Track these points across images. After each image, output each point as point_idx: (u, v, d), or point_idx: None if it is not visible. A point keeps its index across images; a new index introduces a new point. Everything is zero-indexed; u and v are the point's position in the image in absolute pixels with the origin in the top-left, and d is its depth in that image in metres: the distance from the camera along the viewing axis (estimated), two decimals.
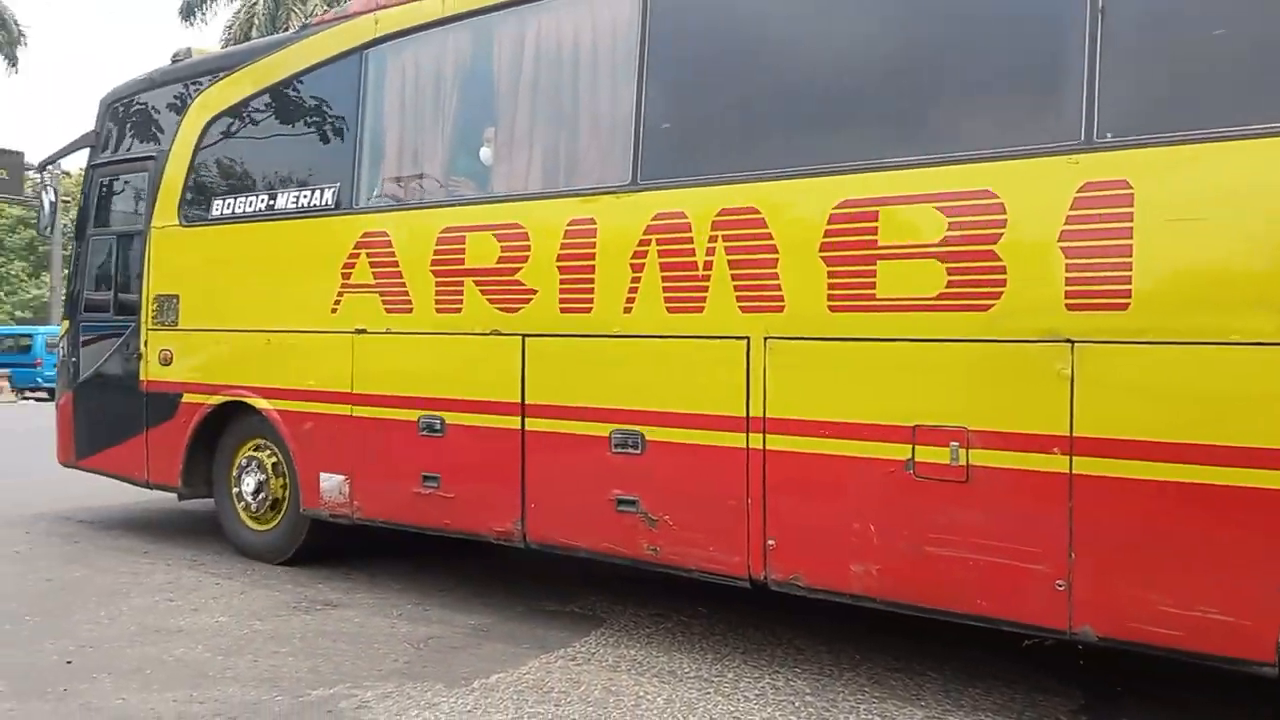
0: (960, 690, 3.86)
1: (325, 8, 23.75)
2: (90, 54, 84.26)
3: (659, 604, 4.99)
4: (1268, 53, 3.19)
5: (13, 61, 37.76)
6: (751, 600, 4.54)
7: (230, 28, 30.41)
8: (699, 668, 4.09)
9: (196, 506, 6.67)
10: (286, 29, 18.91)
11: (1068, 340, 3.34)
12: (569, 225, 4.48)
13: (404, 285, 5.02)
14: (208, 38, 33.70)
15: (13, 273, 37.16)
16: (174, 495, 6.39)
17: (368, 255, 5.16)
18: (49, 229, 7.48)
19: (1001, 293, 3.48)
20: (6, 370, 22.76)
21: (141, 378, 6.24)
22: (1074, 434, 3.34)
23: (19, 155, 26.65)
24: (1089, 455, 3.32)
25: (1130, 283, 3.25)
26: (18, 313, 33.98)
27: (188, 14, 31.94)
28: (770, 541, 3.96)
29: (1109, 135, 3.32)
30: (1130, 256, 3.25)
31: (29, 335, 24.68)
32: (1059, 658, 4.07)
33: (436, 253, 4.90)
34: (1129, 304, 3.26)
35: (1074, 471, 3.34)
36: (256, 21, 28.98)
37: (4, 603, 4.96)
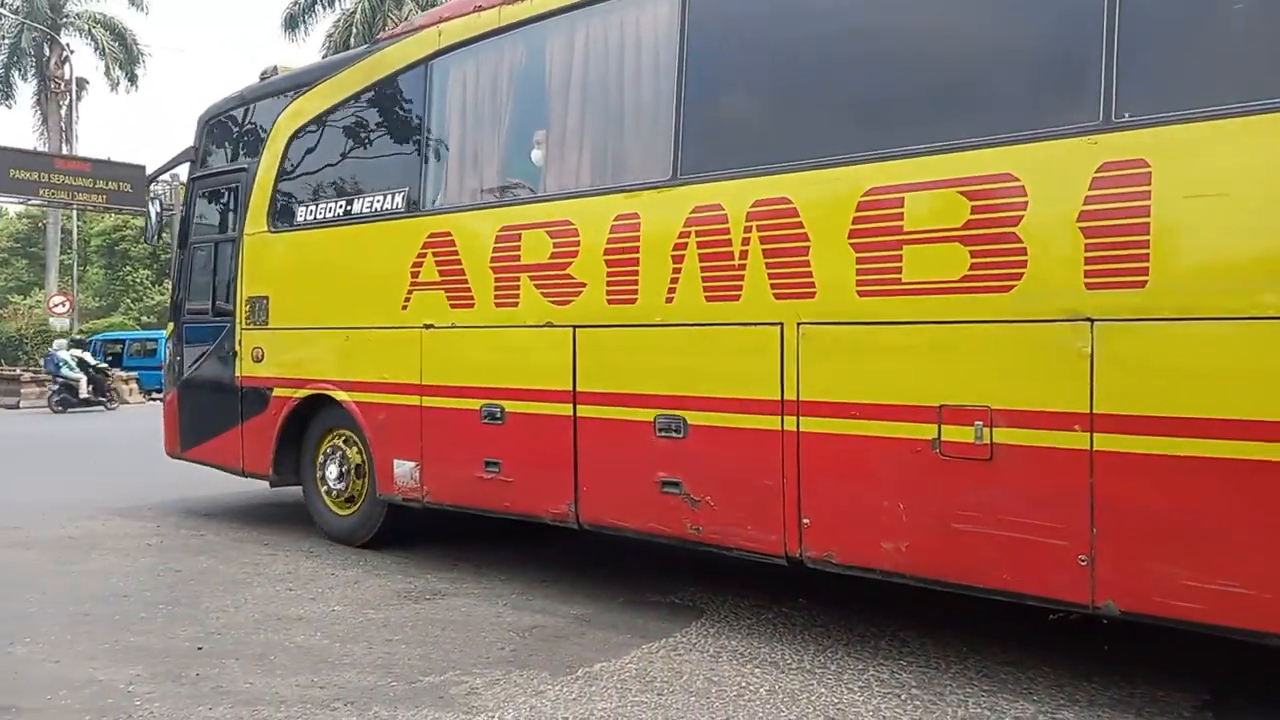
0: (1075, 685, 3.77)
1: (419, 12, 24.62)
2: (204, 68, 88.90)
3: (759, 595, 5.00)
4: None
5: (133, 79, 40.39)
6: (854, 592, 4.64)
7: (330, 36, 31.78)
8: (801, 659, 4.09)
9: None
10: None
11: (1087, 319, 3.41)
12: (615, 220, 4.73)
13: (466, 282, 5.36)
14: (310, 48, 35.28)
15: (138, 280, 39.59)
16: (274, 485, 6.94)
17: (434, 255, 5.52)
18: (155, 237, 8.17)
19: (1023, 274, 3.56)
20: (135, 373, 24.51)
21: (236, 374, 6.79)
22: (1094, 411, 3.40)
23: (141, 169, 28.45)
24: (1109, 432, 3.38)
25: (1148, 260, 3.30)
26: (144, 318, 36.20)
27: (291, 26, 33.55)
28: (805, 520, 4.12)
29: (1127, 115, 3.37)
30: (1148, 235, 3.30)
31: (154, 339, 26.43)
32: (1183, 650, 3.98)
33: (495, 250, 5.22)
34: (1147, 282, 3.30)
35: (1094, 448, 3.41)
36: (354, 30, 30.19)
37: (141, 592, 5.32)
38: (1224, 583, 3.18)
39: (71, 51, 38.97)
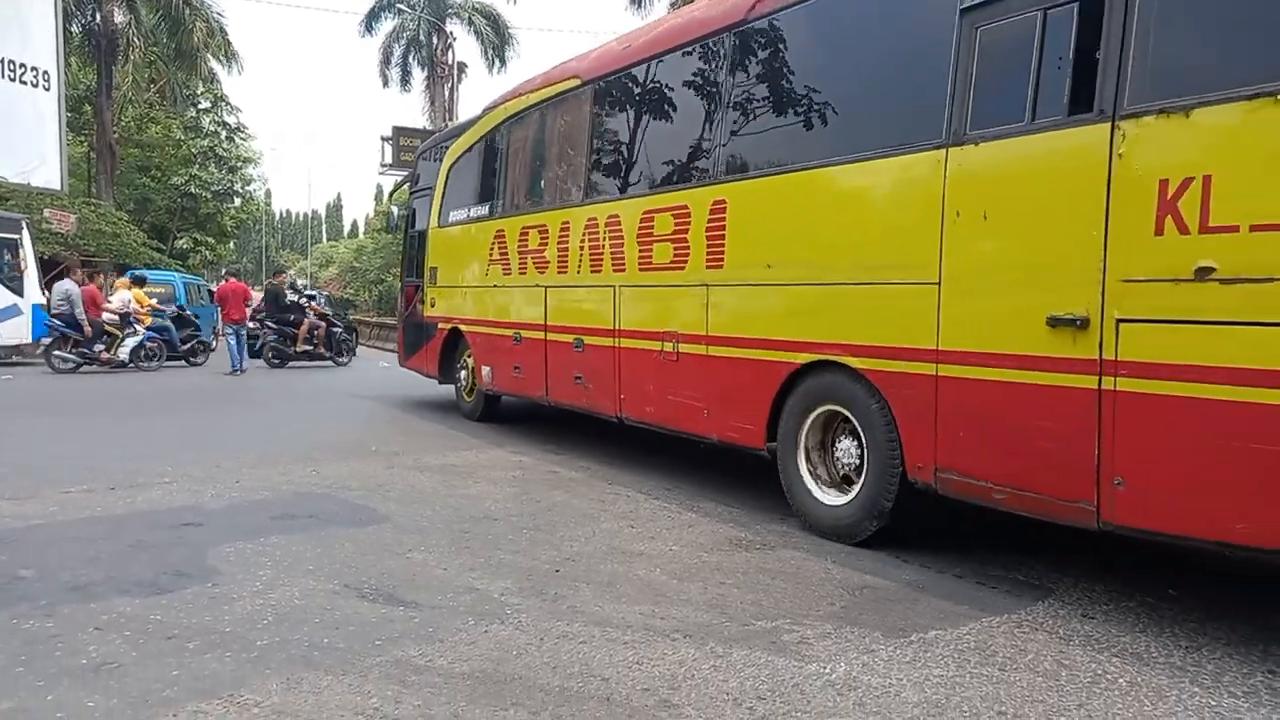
0: None
1: None
2: (556, 42, 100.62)
3: (1116, 581, 5.13)
4: (798, 127, 6.65)
5: (503, 61, 49.02)
6: (1233, 589, 5.14)
7: (674, 6, 37.04)
8: (1169, 653, 4.05)
9: (661, 456, 8.73)
10: None
11: (705, 285, 7.05)
12: (561, 223, 8.90)
13: (508, 259, 9.83)
14: (652, 18, 40.62)
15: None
16: (440, 384, 11.95)
17: (497, 243, 10.06)
18: (395, 229, 13.63)
19: (688, 260, 7.25)
20: None
21: (425, 314, 11.90)
22: (709, 333, 7.05)
23: None
24: (712, 344, 7.02)
25: (724, 253, 6.89)
26: None
27: (637, 1, 39.34)
28: (622, 396, 8.09)
29: (722, 176, 6.96)
30: (724, 240, 6.88)
31: None
32: None
33: (519, 241, 9.61)
34: (723, 265, 6.89)
35: (709, 353, 7.07)
36: None
37: (508, 516, 6.40)
38: (742, 423, 6.77)
39: (454, 39, 48.28)
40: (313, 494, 7.00)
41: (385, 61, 48.44)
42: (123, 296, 18.36)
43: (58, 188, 25.74)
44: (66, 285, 17.54)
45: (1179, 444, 4.14)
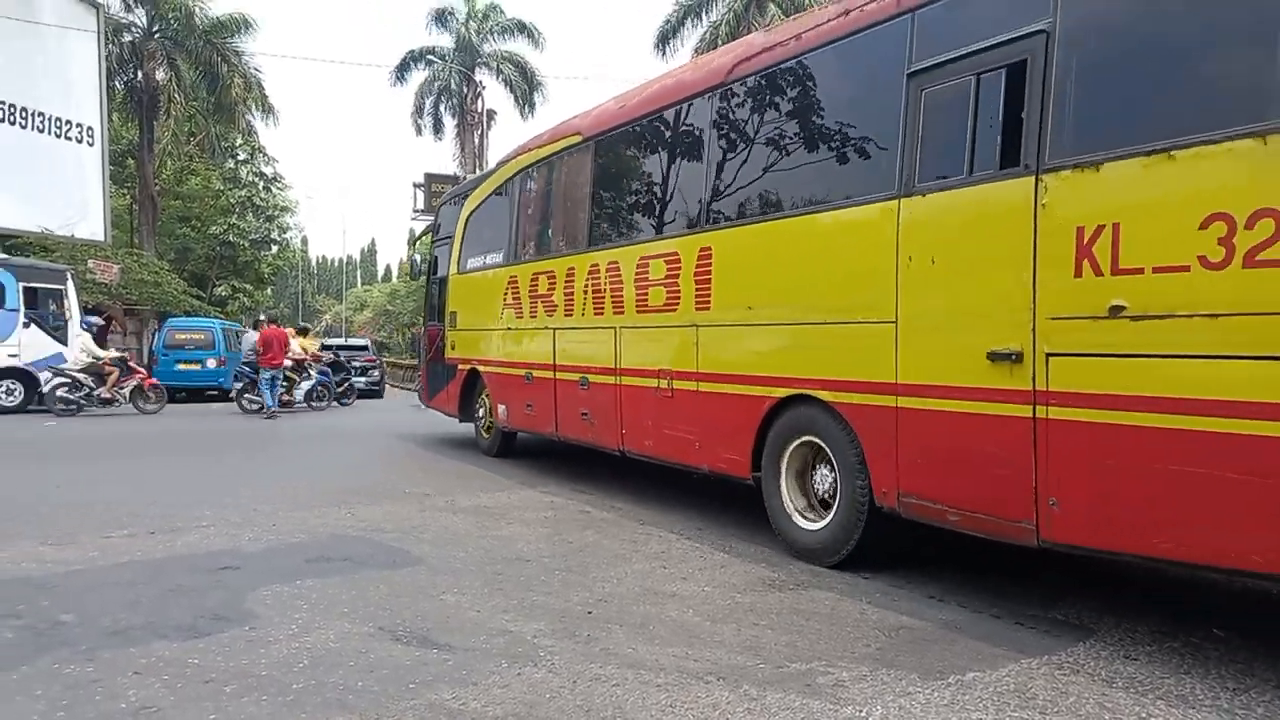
0: None
1: (782, 17, 28.93)
2: (584, 88, 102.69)
3: (1159, 620, 5.09)
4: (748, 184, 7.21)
5: (531, 107, 50.21)
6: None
7: (698, 50, 37.98)
8: (1216, 696, 3.98)
9: (692, 495, 8.86)
10: None
11: (695, 326, 7.59)
12: (567, 269, 9.49)
13: (520, 303, 10.43)
14: (678, 61, 41.68)
15: None
16: (461, 422, 12.54)
17: (510, 288, 10.67)
18: (418, 275, 14.33)
19: (679, 303, 7.79)
20: None
21: (446, 356, 12.53)
22: (699, 370, 7.57)
23: None
24: (702, 381, 7.54)
25: (711, 296, 7.42)
26: None
27: (661, 44, 40.42)
28: (623, 431, 8.60)
29: (704, 225, 7.51)
30: (711, 283, 7.42)
31: None
32: None
33: (530, 286, 10.22)
34: (710, 307, 7.42)
35: (699, 389, 7.58)
36: (720, 39, 35.81)
37: (540, 558, 6.46)
38: (728, 454, 7.26)
39: (484, 88, 49.57)
40: (348, 536, 7.11)
41: (417, 111, 49.76)
42: (293, 346, 20.32)
43: (101, 239, 26.93)
44: (255, 337, 19.43)
45: (1102, 467, 4.58)
